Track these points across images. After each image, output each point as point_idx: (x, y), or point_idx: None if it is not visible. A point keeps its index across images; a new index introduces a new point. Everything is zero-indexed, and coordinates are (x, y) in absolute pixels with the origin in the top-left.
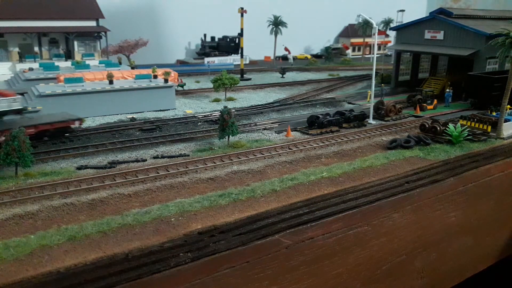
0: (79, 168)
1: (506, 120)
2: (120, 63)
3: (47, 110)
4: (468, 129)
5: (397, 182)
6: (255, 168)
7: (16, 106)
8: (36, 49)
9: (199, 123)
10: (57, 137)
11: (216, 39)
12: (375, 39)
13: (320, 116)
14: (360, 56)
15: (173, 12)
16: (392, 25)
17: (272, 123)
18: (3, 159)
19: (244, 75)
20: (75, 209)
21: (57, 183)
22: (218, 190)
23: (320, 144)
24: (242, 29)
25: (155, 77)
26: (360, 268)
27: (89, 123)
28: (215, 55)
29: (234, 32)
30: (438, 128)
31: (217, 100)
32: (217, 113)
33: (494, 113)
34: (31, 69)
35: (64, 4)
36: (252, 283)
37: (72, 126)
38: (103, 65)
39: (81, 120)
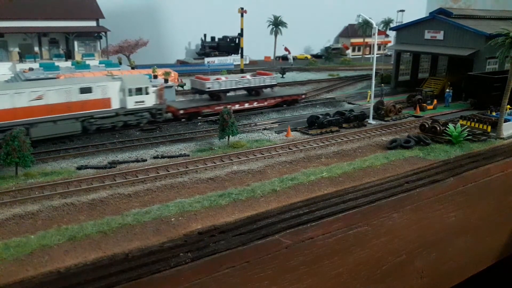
0: (79, 168)
1: (506, 120)
2: (120, 63)
3: None
4: (468, 129)
5: (397, 182)
6: (255, 168)
7: (273, 82)
8: (36, 49)
9: (199, 123)
10: (292, 104)
11: (216, 39)
12: (375, 39)
13: (320, 116)
14: (360, 56)
15: (173, 12)
16: (392, 25)
17: (272, 123)
18: (4, 159)
19: None
20: (75, 209)
21: (57, 183)
22: (218, 190)
23: (320, 144)
24: (242, 29)
25: (155, 77)
26: (360, 268)
27: None
28: (215, 55)
29: (234, 32)
30: (438, 128)
31: None
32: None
33: (494, 113)
34: (31, 69)
35: (64, 4)
36: (252, 283)
37: (299, 99)
38: (103, 65)
39: (305, 94)
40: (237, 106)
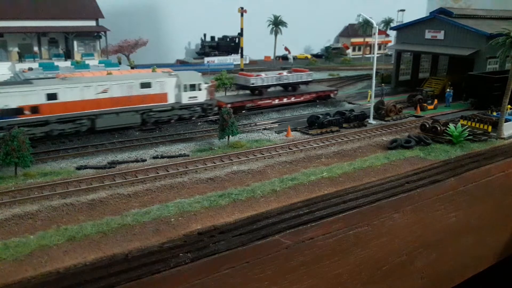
0: (78, 168)
1: (506, 120)
2: (120, 63)
3: None
4: (468, 129)
5: (398, 182)
6: (255, 168)
7: (309, 79)
8: (35, 49)
9: (199, 123)
10: (325, 100)
11: (216, 39)
12: (375, 39)
13: (320, 116)
14: (360, 56)
15: (173, 12)
16: (392, 25)
17: (272, 123)
18: (3, 159)
19: None
20: (74, 209)
21: (56, 183)
22: (218, 190)
23: (320, 144)
24: (242, 29)
25: None
26: (360, 268)
27: None
28: (215, 55)
29: (234, 32)
30: (439, 128)
31: None
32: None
33: (494, 113)
34: (30, 69)
35: (63, 4)
36: (252, 283)
37: (331, 95)
38: (103, 65)
39: (337, 91)
40: (276, 101)
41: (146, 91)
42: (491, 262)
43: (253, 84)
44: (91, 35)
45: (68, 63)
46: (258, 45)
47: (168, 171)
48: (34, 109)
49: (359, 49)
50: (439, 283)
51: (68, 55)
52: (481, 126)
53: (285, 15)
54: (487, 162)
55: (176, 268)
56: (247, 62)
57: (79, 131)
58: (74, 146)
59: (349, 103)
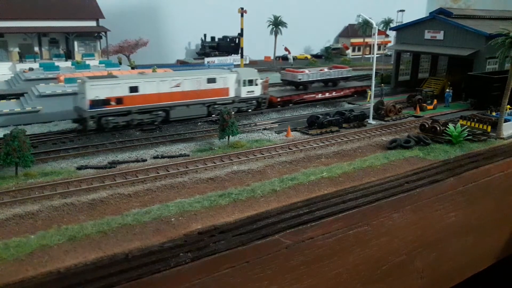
0: (79, 168)
1: (506, 120)
2: (120, 63)
3: (46, 110)
4: (468, 129)
5: (397, 182)
6: (255, 168)
7: (348, 74)
8: (36, 49)
9: (199, 123)
10: (361, 94)
11: (216, 39)
12: (375, 39)
13: (320, 116)
14: (360, 56)
15: (173, 12)
16: (392, 25)
17: (272, 123)
18: (3, 159)
19: None
20: (75, 209)
21: (57, 183)
22: (218, 190)
23: (320, 144)
24: (242, 29)
25: None
26: (360, 268)
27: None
28: (215, 55)
29: (234, 32)
30: (438, 128)
31: None
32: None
33: (494, 113)
34: (31, 69)
35: (64, 4)
36: (252, 283)
37: (367, 90)
38: (103, 65)
39: (369, 87)
40: (320, 95)
41: (211, 85)
42: (491, 261)
43: (300, 79)
44: (91, 36)
45: (68, 64)
46: (258, 46)
47: (168, 171)
48: (119, 100)
49: (359, 50)
50: (439, 283)
51: (68, 55)
52: (481, 126)
53: (285, 16)
54: (487, 162)
55: (177, 268)
56: (247, 62)
57: (154, 121)
58: (74, 146)
59: (349, 103)
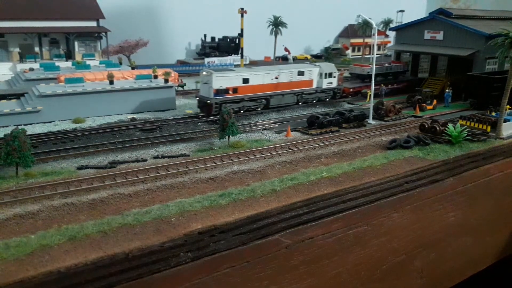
0: (79, 168)
1: (505, 120)
2: (121, 63)
3: (47, 110)
4: (467, 129)
5: (397, 182)
6: (255, 168)
7: (404, 69)
8: (36, 49)
9: (199, 123)
10: (415, 87)
11: (216, 40)
12: (375, 40)
13: (320, 116)
14: (360, 56)
15: (173, 12)
16: (391, 25)
17: (272, 123)
18: (4, 159)
19: None
20: (75, 209)
21: (57, 183)
22: (218, 190)
23: (320, 144)
24: (242, 30)
25: (156, 77)
26: (360, 268)
27: (89, 123)
28: (215, 56)
29: (234, 32)
30: (438, 128)
31: None
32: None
33: (493, 113)
34: (31, 69)
35: (64, 4)
36: (252, 283)
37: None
38: (104, 65)
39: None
40: (384, 87)
41: (300, 78)
42: (490, 261)
43: (368, 72)
44: (92, 36)
45: (69, 64)
46: (258, 46)
47: (168, 171)
48: (235, 90)
49: (359, 50)
50: (438, 283)
51: (69, 55)
52: (480, 126)
53: (285, 16)
54: (486, 162)
55: (177, 268)
56: (247, 62)
57: (258, 108)
58: (74, 146)
59: (349, 103)
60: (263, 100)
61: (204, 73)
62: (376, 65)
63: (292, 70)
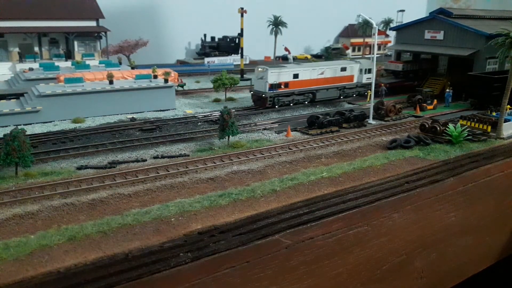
0: (79, 168)
1: (506, 120)
2: (120, 63)
3: (46, 110)
4: (468, 129)
5: (397, 182)
6: (255, 168)
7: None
8: (36, 49)
9: (199, 123)
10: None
11: (216, 39)
12: (375, 39)
13: (320, 116)
14: (360, 56)
15: (173, 12)
16: (392, 25)
17: (272, 123)
18: (3, 159)
19: (244, 75)
20: (75, 209)
21: (57, 183)
22: (218, 190)
23: (320, 144)
24: (242, 29)
25: (155, 77)
26: (360, 268)
27: (89, 123)
28: (215, 55)
29: (234, 32)
30: (438, 128)
31: (217, 100)
32: (217, 113)
33: (494, 113)
34: (31, 69)
35: (64, 4)
36: (252, 283)
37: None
38: (103, 65)
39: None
40: (416, 82)
41: (343, 73)
42: (491, 262)
43: (403, 69)
44: (91, 36)
45: (68, 63)
46: (258, 46)
47: (168, 171)
48: (286, 84)
49: (359, 50)
50: (439, 283)
51: (68, 55)
52: (481, 126)
53: (285, 16)
54: (487, 162)
55: (176, 268)
56: (247, 62)
57: (305, 101)
58: (74, 146)
59: (349, 103)
60: (310, 94)
61: (260, 69)
62: (406, 62)
63: (335, 66)
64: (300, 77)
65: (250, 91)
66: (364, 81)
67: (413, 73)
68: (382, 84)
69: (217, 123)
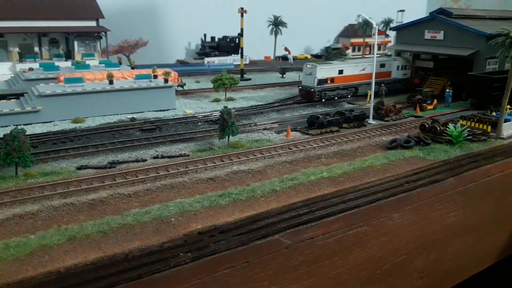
0: (79, 168)
1: (506, 120)
2: (120, 63)
3: (46, 110)
4: (468, 129)
5: (397, 182)
6: (255, 168)
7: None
8: (36, 49)
9: (199, 123)
10: None
11: (216, 39)
12: (375, 39)
13: (320, 116)
14: (360, 56)
15: (173, 12)
16: (392, 25)
17: (272, 123)
18: (3, 159)
19: (244, 75)
20: (75, 209)
21: (57, 183)
22: (218, 190)
23: (320, 144)
24: (242, 29)
25: (155, 77)
26: (360, 268)
27: (89, 123)
28: (215, 55)
29: (234, 32)
30: (438, 128)
31: (217, 100)
32: (217, 113)
33: (494, 113)
34: (31, 69)
35: (64, 4)
36: (252, 283)
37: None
38: (103, 65)
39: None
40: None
41: (382, 69)
42: (491, 262)
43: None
44: (91, 36)
45: (68, 63)
46: (258, 45)
47: (168, 171)
48: (332, 80)
49: (359, 50)
50: (439, 283)
51: (68, 55)
52: (481, 126)
53: (285, 16)
54: (487, 162)
55: (176, 268)
56: (247, 62)
57: (348, 95)
58: (74, 146)
59: (349, 103)
60: (353, 88)
61: (309, 65)
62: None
63: (376, 62)
64: (345, 73)
65: (299, 86)
66: (400, 76)
67: (442, 70)
68: (383, 84)
69: (217, 123)
